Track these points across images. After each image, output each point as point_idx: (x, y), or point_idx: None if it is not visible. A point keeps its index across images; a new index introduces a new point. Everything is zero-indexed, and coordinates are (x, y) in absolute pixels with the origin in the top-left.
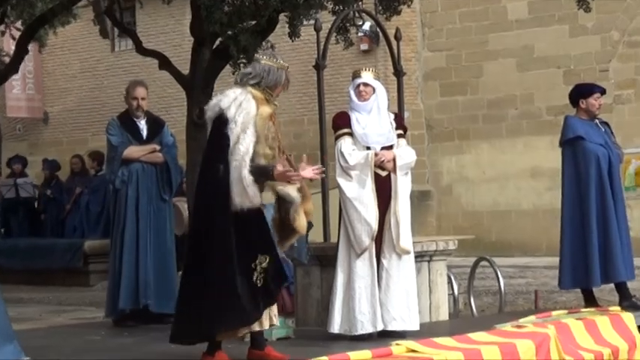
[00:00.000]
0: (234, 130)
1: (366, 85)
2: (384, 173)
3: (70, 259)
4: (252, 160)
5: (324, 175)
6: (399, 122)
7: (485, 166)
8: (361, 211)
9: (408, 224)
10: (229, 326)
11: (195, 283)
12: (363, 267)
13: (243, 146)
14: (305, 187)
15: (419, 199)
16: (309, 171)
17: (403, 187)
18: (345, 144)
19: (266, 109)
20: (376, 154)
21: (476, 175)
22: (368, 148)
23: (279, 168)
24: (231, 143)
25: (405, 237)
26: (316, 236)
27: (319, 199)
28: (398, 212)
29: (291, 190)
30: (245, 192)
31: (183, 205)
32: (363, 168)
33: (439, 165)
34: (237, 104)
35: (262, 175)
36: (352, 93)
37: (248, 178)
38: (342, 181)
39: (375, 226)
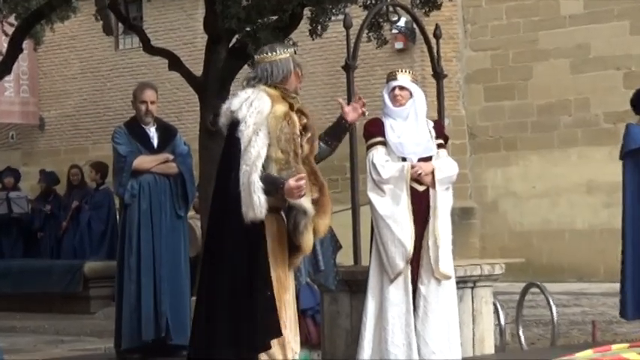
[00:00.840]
0: (244, 132)
1: (402, 88)
2: (421, 188)
3: (68, 283)
4: (265, 166)
5: (365, 112)
6: (439, 130)
7: (534, 180)
8: (395, 230)
9: (449, 246)
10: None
11: (208, 313)
12: (396, 293)
13: (255, 149)
14: (325, 199)
15: (460, 217)
16: (352, 112)
17: (443, 203)
18: (378, 154)
19: (280, 108)
20: (413, 166)
21: (524, 190)
22: (403, 159)
23: (291, 183)
24: (243, 147)
25: (446, 260)
26: (345, 259)
27: (348, 217)
28: (437, 232)
29: (305, 200)
30: (251, 200)
31: (195, 222)
32: (398, 182)
33: (483, 179)
34: (249, 104)
35: (271, 185)
36: (386, 97)
37: (257, 183)
38: (373, 196)
39: (410, 247)
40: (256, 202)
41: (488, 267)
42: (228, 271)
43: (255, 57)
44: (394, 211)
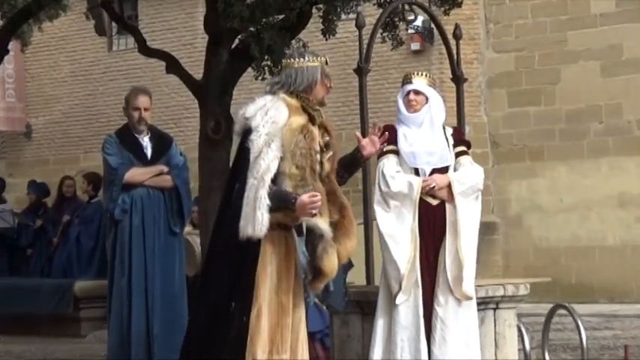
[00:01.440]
0: (255, 142)
1: (417, 92)
2: (435, 201)
3: (57, 304)
4: (275, 181)
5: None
6: (458, 137)
7: (562, 193)
8: (392, 250)
9: (474, 263)
10: None
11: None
12: (406, 315)
13: (265, 162)
14: (347, 220)
15: (481, 232)
16: (369, 146)
17: (467, 216)
18: (389, 164)
19: (297, 120)
20: (425, 180)
21: (551, 204)
22: (417, 171)
23: (304, 199)
24: (252, 157)
25: (469, 279)
26: (357, 278)
27: (360, 233)
28: (460, 248)
29: (321, 222)
30: (253, 216)
31: (194, 239)
32: (405, 200)
33: (506, 191)
34: (264, 112)
35: (282, 201)
36: (400, 102)
37: (263, 200)
38: (378, 210)
39: (403, 271)
40: (258, 219)
41: (512, 287)
42: (212, 288)
43: (283, 61)
44: (396, 231)
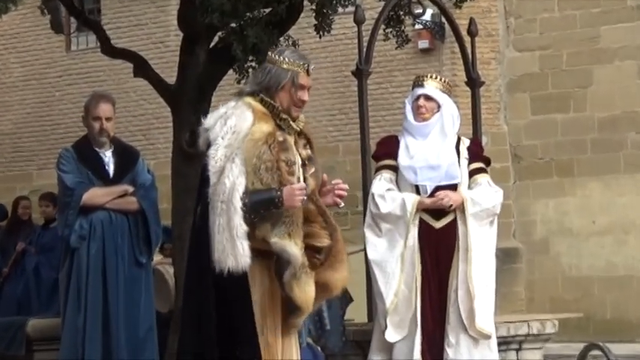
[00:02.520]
0: (213, 158)
1: (428, 98)
2: (439, 224)
3: (7, 345)
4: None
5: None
6: (476, 152)
7: (595, 213)
8: (379, 281)
9: (490, 295)
10: None
11: None
12: (403, 352)
13: (230, 180)
14: (339, 245)
15: (502, 260)
16: (329, 196)
17: (481, 240)
18: (379, 182)
19: (261, 128)
20: (433, 195)
21: (582, 226)
22: (418, 189)
23: (294, 186)
24: (212, 176)
25: (484, 313)
26: (357, 314)
27: (360, 261)
28: (471, 278)
29: (289, 245)
30: (232, 246)
31: (167, 269)
32: (398, 222)
33: (530, 212)
34: (224, 121)
35: (264, 204)
36: (408, 108)
37: (240, 227)
38: (369, 234)
39: (388, 305)
40: (239, 249)
41: (537, 324)
42: (181, 329)
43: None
44: (385, 259)
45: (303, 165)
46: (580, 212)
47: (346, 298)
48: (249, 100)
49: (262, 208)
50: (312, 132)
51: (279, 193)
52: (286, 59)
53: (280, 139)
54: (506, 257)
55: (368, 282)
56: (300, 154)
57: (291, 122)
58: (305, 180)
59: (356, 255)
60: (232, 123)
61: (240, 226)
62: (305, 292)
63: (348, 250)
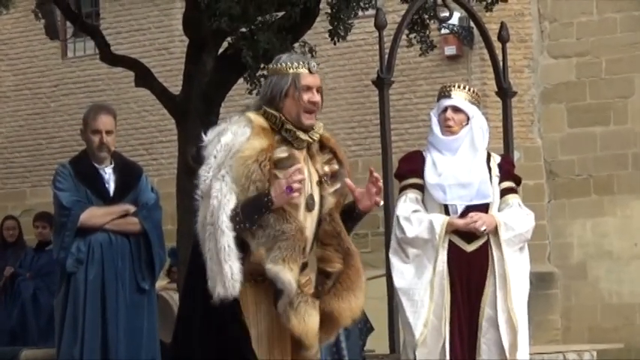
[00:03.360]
0: (202, 177)
1: (456, 110)
2: (470, 247)
3: None
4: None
5: (381, 202)
6: (507, 169)
7: (637, 235)
8: (407, 311)
9: (526, 326)
10: None
11: None
12: None
13: (217, 199)
14: (354, 272)
15: (536, 285)
16: (364, 198)
17: (517, 267)
18: (404, 203)
19: (254, 144)
20: (464, 215)
21: (623, 249)
22: (447, 210)
23: (279, 181)
24: (201, 196)
25: (521, 344)
26: (379, 345)
27: (383, 287)
28: (512, 308)
29: (282, 271)
30: (220, 271)
31: (172, 295)
32: (426, 247)
33: (566, 233)
34: (219, 138)
35: (253, 209)
36: (434, 120)
37: (227, 249)
38: (394, 261)
39: (418, 336)
40: (227, 274)
41: (574, 355)
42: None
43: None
44: (412, 286)
45: (320, 182)
46: (620, 234)
47: (366, 327)
48: (251, 114)
49: (255, 214)
50: (341, 149)
51: (267, 202)
52: (284, 64)
53: (282, 155)
54: (540, 282)
55: (390, 310)
56: (317, 171)
57: (299, 134)
58: (322, 199)
59: (377, 280)
60: (226, 140)
61: (228, 248)
62: (305, 322)
63: (369, 274)
